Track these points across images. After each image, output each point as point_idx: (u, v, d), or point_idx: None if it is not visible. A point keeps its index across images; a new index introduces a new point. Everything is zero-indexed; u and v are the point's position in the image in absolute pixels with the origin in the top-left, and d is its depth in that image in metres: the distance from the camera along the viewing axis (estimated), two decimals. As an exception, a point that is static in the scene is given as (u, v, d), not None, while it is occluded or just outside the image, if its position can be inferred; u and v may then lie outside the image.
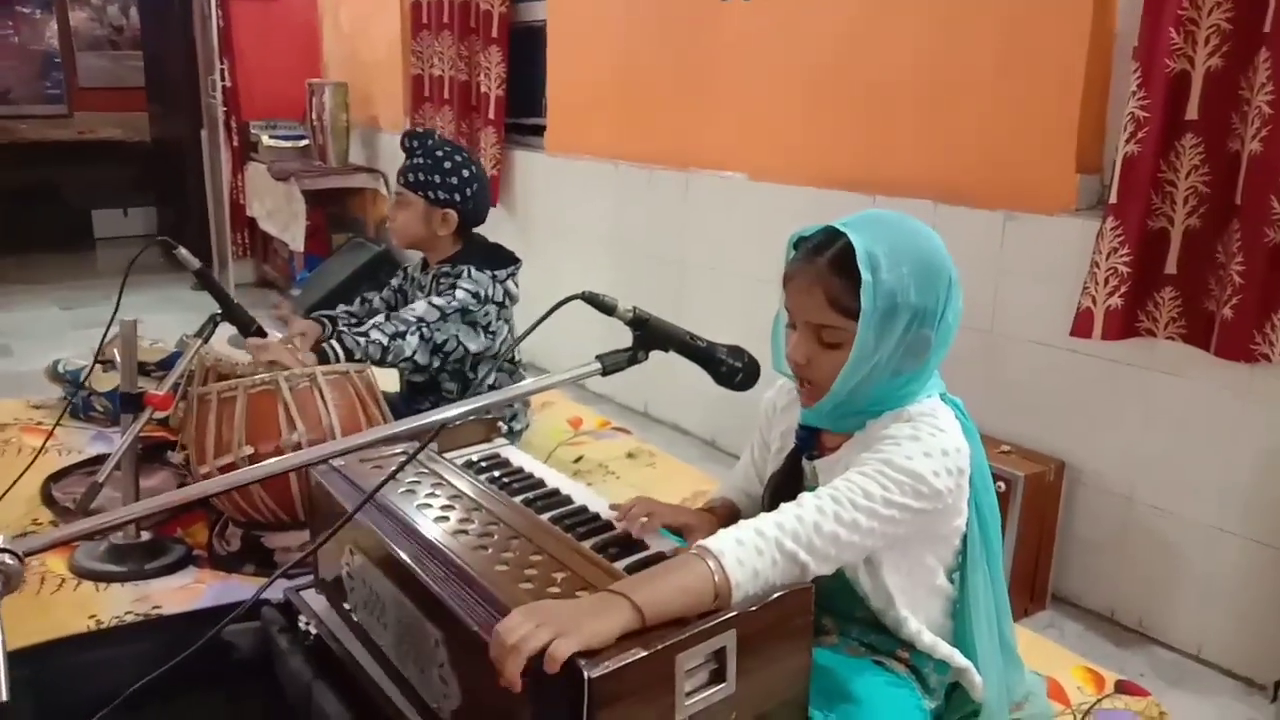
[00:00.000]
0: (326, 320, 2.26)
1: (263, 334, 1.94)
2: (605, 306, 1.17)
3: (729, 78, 3.44)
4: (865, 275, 1.15)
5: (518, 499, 1.34)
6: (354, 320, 2.36)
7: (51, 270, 6.52)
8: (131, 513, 1.11)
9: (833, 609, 1.33)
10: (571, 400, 2.86)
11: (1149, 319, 2.30)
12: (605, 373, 1.17)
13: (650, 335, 1.20)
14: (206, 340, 1.87)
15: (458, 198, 2.25)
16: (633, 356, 1.19)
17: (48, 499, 2.04)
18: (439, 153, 2.25)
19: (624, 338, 1.23)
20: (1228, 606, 2.30)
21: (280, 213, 5.57)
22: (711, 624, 0.99)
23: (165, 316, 4.17)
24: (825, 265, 1.19)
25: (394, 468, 1.14)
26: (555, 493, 1.40)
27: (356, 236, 5.67)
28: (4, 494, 1.85)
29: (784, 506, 1.13)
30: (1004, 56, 2.59)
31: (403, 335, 2.08)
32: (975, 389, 2.69)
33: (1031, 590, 2.58)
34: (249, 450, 1.79)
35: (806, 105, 3.16)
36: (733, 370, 1.24)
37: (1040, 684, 1.45)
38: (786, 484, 1.33)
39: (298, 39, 6.26)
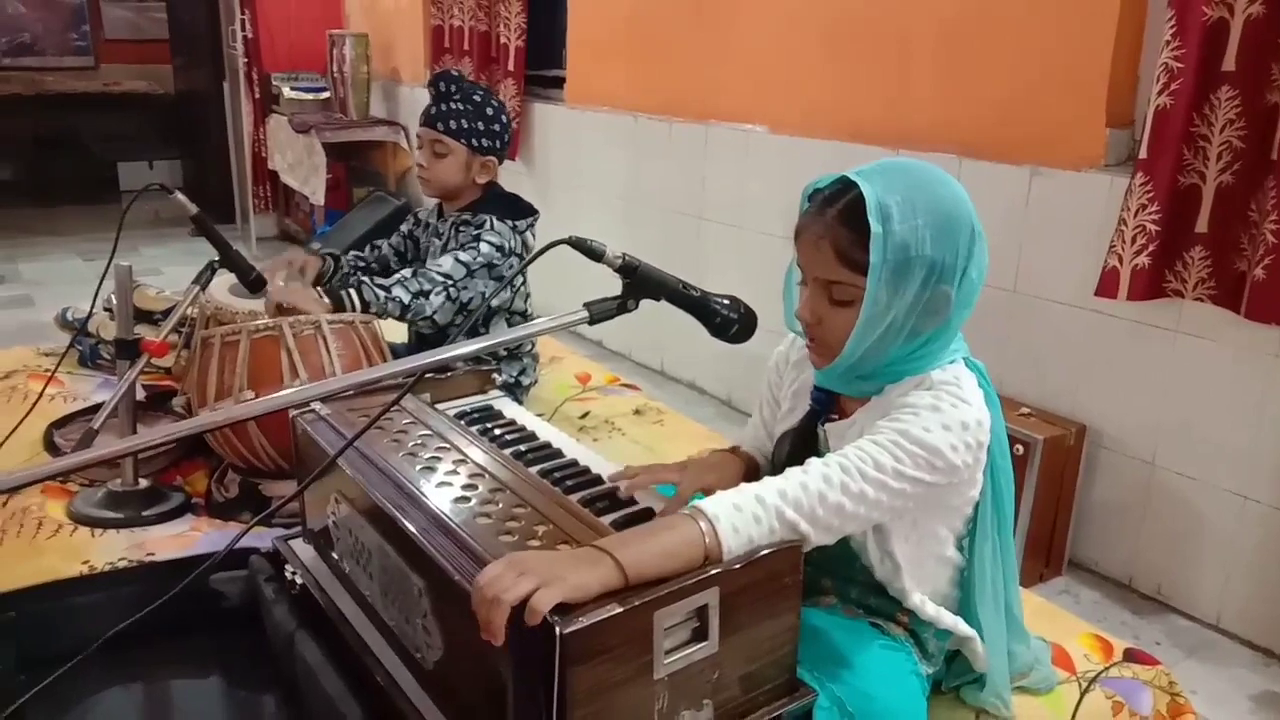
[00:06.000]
0: (330, 258, 2.22)
1: (262, 281, 1.90)
2: (593, 252, 1.12)
3: (749, 28, 3.35)
4: (875, 227, 1.08)
5: (507, 451, 1.30)
6: (361, 265, 2.31)
7: (76, 221, 6.54)
8: (103, 453, 1.07)
9: (833, 570, 1.29)
10: (582, 356, 2.82)
11: (1177, 279, 2.22)
12: (593, 321, 1.12)
13: (640, 283, 1.15)
14: (204, 287, 1.84)
15: (499, 144, 2.20)
16: (622, 304, 1.14)
17: (50, 445, 2.03)
18: (476, 97, 2.17)
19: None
20: (1249, 576, 2.24)
21: (301, 166, 5.54)
22: (693, 581, 0.95)
23: (189, 269, 4.17)
24: (835, 217, 1.13)
25: (374, 415, 1.10)
26: (546, 446, 1.36)
27: (377, 190, 5.63)
28: (5, 439, 1.83)
29: (789, 472, 1.07)
30: (1033, 3, 2.49)
31: (426, 294, 2.02)
32: (996, 349, 2.63)
33: (1048, 556, 2.53)
34: (250, 394, 1.75)
35: (828, 56, 3.07)
36: (728, 321, 1.19)
37: (1046, 651, 1.41)
38: (800, 447, 1.28)
39: (319, -12, 6.18)
